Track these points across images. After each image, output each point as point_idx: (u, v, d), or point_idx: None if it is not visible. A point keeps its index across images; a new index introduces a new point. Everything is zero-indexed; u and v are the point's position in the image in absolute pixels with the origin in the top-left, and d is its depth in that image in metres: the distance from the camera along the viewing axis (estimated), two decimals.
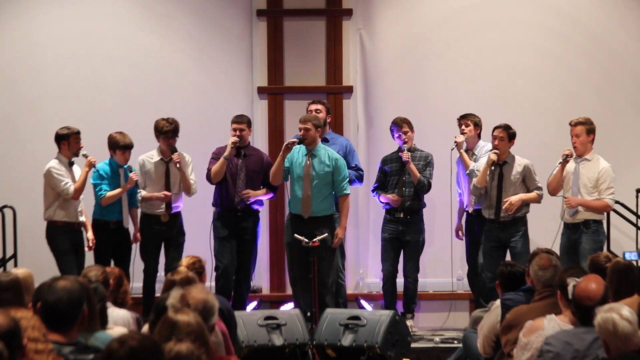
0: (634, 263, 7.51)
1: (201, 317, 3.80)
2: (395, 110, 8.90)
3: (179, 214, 8.45)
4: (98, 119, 9.03)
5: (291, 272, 8.22)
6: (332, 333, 7.31)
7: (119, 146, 8.25)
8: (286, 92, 9.41)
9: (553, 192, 8.21)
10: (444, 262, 9.07)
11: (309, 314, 7.66)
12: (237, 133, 8.36)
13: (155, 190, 8.34)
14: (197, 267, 5.77)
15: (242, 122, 8.43)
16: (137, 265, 8.39)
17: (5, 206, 9.01)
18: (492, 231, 8.22)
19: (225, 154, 8.29)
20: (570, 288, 4.58)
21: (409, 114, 8.63)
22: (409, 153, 8.43)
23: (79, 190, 8.12)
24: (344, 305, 8.43)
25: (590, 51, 9.46)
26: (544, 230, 8.28)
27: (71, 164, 8.25)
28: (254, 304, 8.75)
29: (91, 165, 8.12)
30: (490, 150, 8.25)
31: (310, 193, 8.02)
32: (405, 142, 8.45)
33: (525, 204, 8.23)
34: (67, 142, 8.15)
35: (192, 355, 3.31)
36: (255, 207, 8.47)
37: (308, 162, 8.07)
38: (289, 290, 8.70)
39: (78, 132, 8.19)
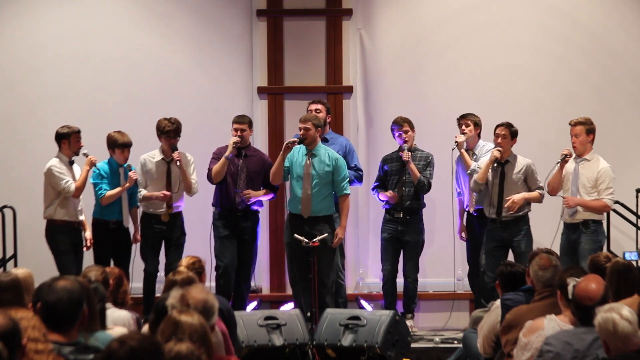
0: (634, 263, 7.52)
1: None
2: (395, 110, 8.89)
3: (179, 213, 8.46)
4: (98, 119, 9.02)
5: (291, 272, 8.22)
6: (332, 333, 7.31)
7: (118, 145, 8.26)
8: (286, 92, 9.41)
9: (552, 192, 8.21)
10: (444, 262, 9.07)
11: (309, 314, 7.66)
12: (239, 133, 8.36)
13: (156, 189, 8.34)
14: (197, 267, 5.77)
15: (244, 122, 8.43)
16: (137, 265, 8.39)
17: (5, 206, 9.01)
18: (494, 231, 8.22)
19: (227, 153, 8.29)
20: (570, 288, 4.58)
21: (409, 114, 8.63)
22: (409, 152, 8.43)
23: (80, 189, 8.13)
24: (343, 305, 8.43)
25: (590, 51, 9.46)
26: (544, 230, 8.28)
27: (71, 163, 8.26)
28: (254, 304, 8.75)
29: (92, 164, 8.13)
30: (494, 148, 8.24)
31: (310, 193, 8.02)
32: (405, 142, 8.45)
33: (527, 203, 8.23)
34: (68, 141, 8.16)
35: (192, 355, 3.31)
36: (255, 207, 8.47)
37: (308, 162, 8.07)
38: (289, 290, 8.70)
39: (78, 131, 8.20)
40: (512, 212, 8.13)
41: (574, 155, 8.12)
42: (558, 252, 7.62)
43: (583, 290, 4.48)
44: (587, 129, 8.05)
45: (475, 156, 8.56)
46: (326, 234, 7.96)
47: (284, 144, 8.20)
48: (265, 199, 8.56)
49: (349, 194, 8.19)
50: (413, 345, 7.78)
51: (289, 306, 8.51)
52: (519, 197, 8.14)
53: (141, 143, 8.50)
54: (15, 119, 9.39)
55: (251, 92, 9.44)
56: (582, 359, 4.39)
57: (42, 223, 8.23)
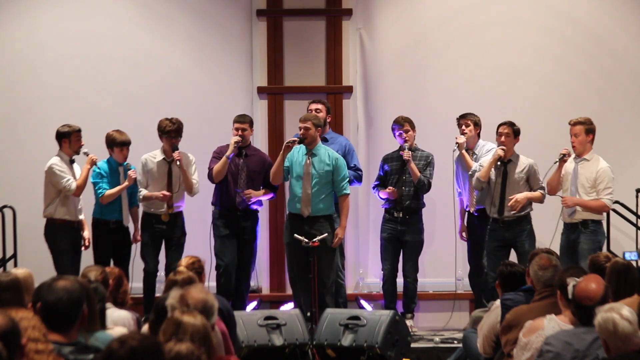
0: (634, 263, 7.52)
1: None
2: (395, 110, 8.89)
3: (180, 213, 8.46)
4: (98, 119, 9.02)
5: (291, 272, 8.22)
6: (332, 333, 7.31)
7: (116, 143, 8.27)
8: (286, 92, 9.41)
9: (551, 192, 8.22)
10: (444, 262, 9.07)
11: (309, 314, 7.66)
12: (240, 133, 8.37)
13: (157, 189, 8.35)
14: (197, 267, 5.77)
15: (245, 121, 8.44)
16: (137, 265, 8.39)
17: (5, 206, 9.01)
18: (496, 230, 8.21)
19: (228, 153, 8.29)
20: (570, 288, 4.58)
21: (409, 113, 8.63)
22: (410, 152, 8.43)
23: (81, 187, 8.14)
24: (343, 305, 8.43)
25: (590, 51, 9.45)
26: (545, 230, 8.28)
27: (72, 161, 8.27)
28: (254, 304, 8.75)
29: (93, 162, 8.15)
30: (498, 147, 8.23)
31: (310, 192, 8.02)
32: (406, 141, 8.45)
33: (529, 203, 8.22)
34: (68, 140, 8.17)
35: (192, 355, 3.31)
36: (255, 207, 8.47)
37: (308, 161, 8.07)
38: (289, 290, 8.70)
39: (79, 130, 8.22)
40: (514, 211, 8.13)
41: (573, 155, 8.13)
42: (558, 252, 7.62)
43: (583, 290, 4.48)
44: (586, 128, 8.05)
45: (475, 156, 8.56)
46: (326, 234, 7.96)
47: (284, 143, 8.20)
48: (265, 198, 8.57)
49: (348, 193, 8.19)
50: (413, 345, 7.78)
51: (289, 306, 8.51)
52: (522, 196, 8.14)
53: (141, 143, 8.51)
54: (15, 119, 9.39)
55: (251, 92, 9.44)
56: (582, 359, 4.39)
57: (42, 223, 8.23)
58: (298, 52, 9.41)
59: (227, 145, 8.38)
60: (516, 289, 5.72)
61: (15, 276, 4.70)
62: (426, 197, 8.63)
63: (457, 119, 8.63)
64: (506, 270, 6.00)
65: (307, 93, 9.21)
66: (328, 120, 8.66)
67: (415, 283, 8.57)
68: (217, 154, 8.42)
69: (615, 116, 9.38)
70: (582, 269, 5.35)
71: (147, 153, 8.45)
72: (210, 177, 8.39)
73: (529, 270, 5.51)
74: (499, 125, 8.26)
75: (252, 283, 8.90)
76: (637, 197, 8.92)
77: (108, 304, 5.01)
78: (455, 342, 7.97)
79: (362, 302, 8.81)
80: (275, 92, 9.40)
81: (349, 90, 9.41)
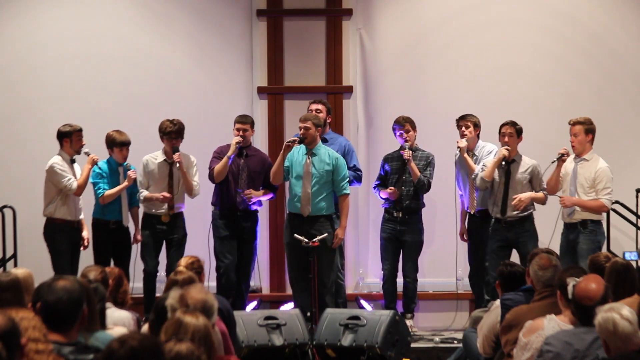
0: (634, 263, 7.52)
1: None
2: (395, 110, 8.89)
3: (180, 214, 8.46)
4: (98, 119, 9.01)
5: (291, 272, 8.22)
6: (332, 333, 7.30)
7: (116, 143, 8.27)
8: (286, 92, 9.41)
9: (550, 192, 8.22)
10: (444, 262, 9.07)
11: (308, 314, 7.66)
12: (241, 133, 8.37)
13: (158, 190, 8.35)
14: (196, 267, 5.77)
15: (246, 122, 8.44)
16: (137, 265, 8.40)
17: (5, 206, 9.01)
18: (499, 230, 8.20)
19: (229, 153, 8.29)
20: (570, 288, 4.58)
21: (409, 113, 8.63)
22: (410, 151, 8.43)
23: (82, 187, 8.15)
24: (343, 305, 8.43)
25: (590, 51, 9.45)
26: (544, 230, 8.28)
27: (73, 161, 8.27)
28: (254, 304, 8.74)
29: (94, 162, 8.15)
30: (502, 147, 8.22)
31: (310, 191, 8.02)
32: (407, 141, 8.45)
33: (531, 203, 8.22)
34: (69, 139, 8.18)
35: (192, 355, 3.31)
36: (254, 207, 8.47)
37: (308, 161, 8.07)
38: (289, 290, 8.70)
39: (80, 130, 8.22)
40: (517, 211, 8.12)
41: (572, 155, 8.12)
42: (558, 252, 7.62)
43: (583, 290, 4.48)
44: (586, 128, 8.05)
45: (475, 157, 8.55)
46: (326, 234, 7.96)
47: (284, 143, 8.20)
48: (264, 199, 8.57)
49: (348, 193, 8.19)
50: (413, 345, 7.78)
51: (289, 306, 8.51)
52: (525, 196, 8.13)
53: (141, 143, 8.51)
54: (15, 119, 9.39)
55: (251, 92, 9.44)
56: (582, 359, 4.39)
57: (42, 223, 8.23)
58: (298, 52, 9.41)
59: (228, 145, 8.38)
60: (516, 289, 5.72)
61: (15, 276, 4.70)
62: (426, 197, 8.63)
63: (456, 120, 8.62)
64: (506, 270, 6.00)
65: (307, 93, 9.21)
66: (328, 121, 8.66)
67: (415, 283, 8.57)
68: (218, 154, 8.42)
69: (615, 116, 9.38)
70: (582, 269, 5.35)
71: (148, 154, 8.45)
72: (211, 177, 8.39)
73: (529, 270, 5.51)
74: (502, 126, 8.25)
75: (252, 283, 8.90)
76: (637, 197, 8.92)
77: (108, 304, 5.01)
78: (455, 342, 7.97)
79: (362, 302, 8.81)
80: (275, 92, 9.40)
81: (349, 90, 9.41)
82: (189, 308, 4.04)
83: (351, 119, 9.40)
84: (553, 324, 4.70)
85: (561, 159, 8.09)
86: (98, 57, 9.39)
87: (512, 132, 8.21)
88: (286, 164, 8.14)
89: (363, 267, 9.40)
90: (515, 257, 8.11)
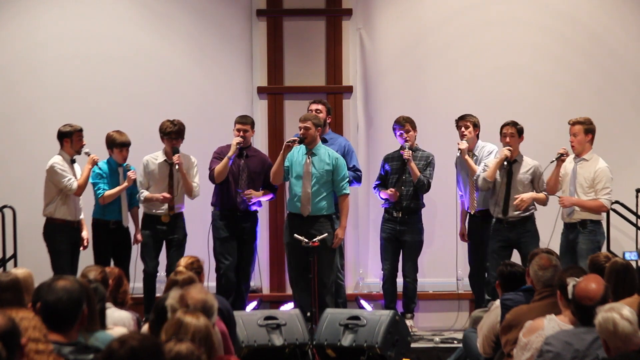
0: (634, 263, 7.52)
1: None
2: (395, 110, 8.89)
3: (181, 214, 8.46)
4: (98, 119, 9.01)
5: (291, 272, 8.22)
6: (332, 333, 7.30)
7: (116, 144, 8.27)
8: (286, 92, 9.41)
9: (549, 192, 8.22)
10: (444, 262, 9.07)
11: (308, 314, 7.66)
12: (241, 134, 8.37)
13: (159, 191, 8.35)
14: (196, 267, 5.78)
15: (247, 122, 8.45)
16: (137, 265, 8.39)
17: (5, 206, 9.00)
18: (500, 231, 8.19)
19: (230, 154, 8.29)
20: (570, 288, 4.58)
21: (409, 113, 8.63)
22: (410, 151, 8.43)
23: (82, 187, 8.15)
24: (343, 305, 8.43)
25: (590, 51, 9.45)
26: (544, 230, 8.28)
27: (73, 161, 8.27)
28: (254, 304, 8.74)
29: (94, 162, 8.15)
30: (504, 147, 8.22)
31: (310, 191, 8.03)
32: (407, 141, 8.45)
33: (532, 203, 8.21)
34: (70, 139, 8.18)
35: (192, 355, 3.31)
36: (254, 207, 8.47)
37: (308, 161, 8.07)
38: (289, 290, 8.70)
39: (81, 130, 8.22)
40: (519, 211, 8.12)
41: (572, 155, 8.12)
42: (558, 252, 7.62)
43: (583, 290, 4.48)
44: (585, 128, 8.05)
45: (475, 157, 8.55)
46: (326, 234, 7.96)
47: (284, 143, 8.21)
48: (264, 199, 8.57)
49: (348, 193, 8.19)
50: (413, 345, 7.78)
51: (289, 306, 8.51)
52: (527, 196, 8.13)
53: (141, 143, 8.51)
54: (15, 119, 9.39)
55: (251, 92, 9.44)
56: (582, 359, 4.39)
57: (42, 223, 8.22)
58: (298, 52, 9.41)
59: (228, 146, 8.38)
60: (516, 289, 5.72)
61: (15, 276, 4.70)
62: (426, 197, 8.62)
63: (455, 120, 8.61)
64: (506, 270, 6.00)
65: (307, 93, 9.21)
66: (328, 121, 8.66)
67: (414, 283, 8.57)
68: (218, 155, 8.42)
69: (615, 116, 9.38)
70: (582, 269, 5.35)
71: (148, 154, 8.45)
72: (211, 178, 8.39)
73: (529, 270, 5.51)
74: (502, 126, 8.24)
75: (252, 283, 8.90)
76: (637, 197, 8.91)
77: (108, 304, 5.01)
78: (455, 342, 7.97)
79: (362, 302, 8.81)
80: (275, 92, 9.40)
81: (349, 90, 9.41)
82: (189, 308, 4.04)
83: (351, 119, 9.40)
84: (553, 324, 4.70)
85: (560, 158, 8.09)
86: (98, 57, 9.39)
87: (513, 132, 8.20)
88: (286, 164, 8.14)
89: (363, 267, 9.40)
90: (515, 257, 8.11)
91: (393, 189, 8.44)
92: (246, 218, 8.42)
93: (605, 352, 4.04)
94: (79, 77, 9.39)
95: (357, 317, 7.34)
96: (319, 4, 9.44)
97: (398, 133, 8.53)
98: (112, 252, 8.25)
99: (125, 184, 8.23)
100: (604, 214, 8.31)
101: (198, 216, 8.75)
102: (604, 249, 8.16)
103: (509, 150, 8.16)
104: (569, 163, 8.12)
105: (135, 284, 8.30)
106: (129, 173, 8.22)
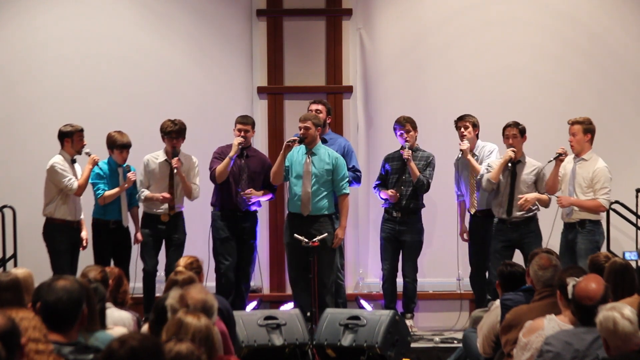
0: (634, 263, 7.52)
1: None
2: (395, 110, 8.89)
3: (180, 214, 8.46)
4: (98, 119, 9.01)
5: (291, 272, 8.22)
6: (332, 333, 7.30)
7: (117, 145, 8.26)
8: (286, 92, 9.41)
9: (549, 191, 8.21)
10: (444, 262, 9.07)
11: (308, 314, 7.66)
12: (242, 134, 8.37)
13: (159, 190, 8.35)
14: (195, 267, 5.78)
15: (247, 123, 8.45)
16: (137, 265, 8.39)
17: (5, 206, 9.00)
18: (503, 231, 8.18)
19: (231, 154, 8.29)
20: (570, 288, 4.58)
21: (409, 113, 8.63)
22: (410, 151, 8.43)
23: (83, 187, 8.15)
24: (343, 305, 8.43)
25: (590, 51, 9.45)
26: (544, 230, 8.28)
27: (73, 161, 8.27)
28: (254, 304, 8.75)
29: (94, 162, 8.15)
30: (508, 149, 8.21)
31: (310, 191, 8.03)
32: (407, 141, 8.45)
33: (534, 203, 8.21)
34: (71, 139, 8.18)
35: (192, 355, 3.31)
36: (254, 207, 8.47)
37: (308, 160, 8.08)
38: (289, 290, 8.70)
39: (81, 130, 8.22)
40: (523, 211, 8.11)
41: (571, 155, 8.12)
42: (558, 252, 7.61)
43: (583, 290, 4.49)
44: (584, 128, 8.04)
45: (476, 157, 8.54)
46: (326, 234, 7.97)
47: (284, 143, 8.21)
48: (264, 199, 8.57)
49: (348, 193, 8.19)
50: (413, 345, 7.78)
51: (289, 306, 8.51)
52: (531, 196, 8.12)
53: (141, 143, 8.51)
54: (15, 119, 9.38)
55: (251, 92, 9.44)
56: (582, 359, 4.39)
57: (42, 222, 8.22)
58: (298, 52, 9.41)
59: (228, 146, 8.38)
60: (516, 289, 5.72)
61: (15, 276, 4.69)
62: (426, 198, 8.62)
63: (455, 121, 8.61)
64: (506, 270, 6.00)
65: (307, 93, 9.21)
66: (328, 122, 8.66)
67: (414, 283, 8.57)
68: (218, 155, 8.42)
69: (615, 116, 9.38)
70: (582, 269, 5.35)
71: (149, 154, 8.45)
72: (212, 178, 8.39)
73: (529, 270, 5.51)
74: (505, 128, 8.23)
75: (252, 283, 8.90)
76: (637, 197, 8.91)
77: (108, 304, 5.01)
78: (455, 342, 7.97)
79: (362, 302, 8.81)
80: (275, 92, 9.40)
81: (349, 90, 9.41)
82: (189, 308, 4.04)
83: (351, 119, 9.40)
84: (553, 324, 4.70)
85: (559, 158, 8.08)
86: (98, 57, 9.39)
87: (515, 133, 8.20)
88: (286, 163, 8.14)
89: (363, 267, 9.40)
90: (517, 257, 8.10)
91: (394, 191, 8.43)
92: (246, 218, 8.42)
93: (606, 351, 4.05)
94: (79, 77, 9.39)
95: (357, 317, 7.34)
96: (319, 4, 9.44)
97: (398, 133, 8.53)
98: (112, 252, 8.25)
99: (125, 185, 8.22)
100: (604, 214, 8.31)
101: (198, 216, 8.75)
102: (603, 249, 8.16)
103: (513, 151, 8.15)
104: (568, 163, 8.11)
105: (135, 284, 8.30)
106: (128, 174, 8.22)
